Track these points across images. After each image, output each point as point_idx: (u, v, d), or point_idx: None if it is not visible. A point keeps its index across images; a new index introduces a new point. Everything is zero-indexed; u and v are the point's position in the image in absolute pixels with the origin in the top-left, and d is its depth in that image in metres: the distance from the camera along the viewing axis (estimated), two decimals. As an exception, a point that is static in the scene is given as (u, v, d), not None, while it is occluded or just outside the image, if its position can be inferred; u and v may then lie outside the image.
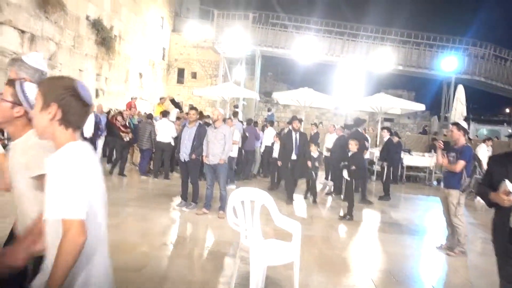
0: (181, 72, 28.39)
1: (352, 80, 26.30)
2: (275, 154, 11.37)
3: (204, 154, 7.08)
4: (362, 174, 9.45)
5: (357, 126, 11.39)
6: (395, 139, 13.05)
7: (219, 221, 6.98)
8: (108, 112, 15.55)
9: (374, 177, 13.72)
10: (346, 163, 7.97)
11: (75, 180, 1.77)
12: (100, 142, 11.21)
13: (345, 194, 8.39)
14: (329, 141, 12.15)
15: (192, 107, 7.56)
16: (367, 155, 11.49)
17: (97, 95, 21.41)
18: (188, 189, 7.57)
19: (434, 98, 29.95)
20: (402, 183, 14.05)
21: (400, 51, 25.05)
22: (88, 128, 9.02)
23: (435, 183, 14.63)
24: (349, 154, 8.02)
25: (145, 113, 15.70)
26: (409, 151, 14.73)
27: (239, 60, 26.18)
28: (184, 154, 7.38)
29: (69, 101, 1.92)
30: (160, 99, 13.85)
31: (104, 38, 21.31)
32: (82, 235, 1.73)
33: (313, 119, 26.73)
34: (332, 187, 10.95)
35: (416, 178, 15.05)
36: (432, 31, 25.48)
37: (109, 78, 22.49)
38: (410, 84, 30.31)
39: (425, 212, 10.04)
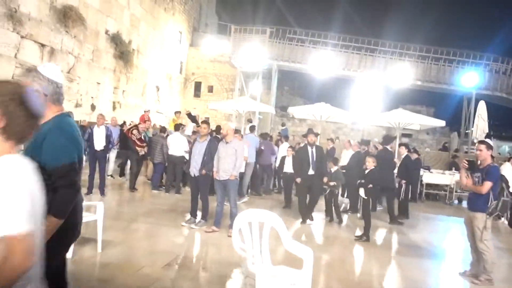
0: (198, 86, 28.38)
1: (369, 95, 25.86)
2: (287, 168, 11.17)
3: (214, 169, 6.79)
4: (388, 193, 9.09)
5: (387, 144, 10.86)
6: (414, 155, 12.56)
7: (228, 240, 6.62)
8: (123, 125, 15.46)
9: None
10: (362, 181, 7.56)
11: (15, 193, 1.49)
12: (113, 155, 11.03)
13: (362, 213, 7.96)
14: (345, 157, 11.71)
15: (204, 121, 7.29)
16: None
17: (114, 108, 21.44)
18: (198, 205, 7.27)
19: (454, 114, 29.20)
20: (421, 202, 13.48)
21: (419, 66, 24.55)
22: (99, 141, 8.81)
23: (456, 202, 14.02)
24: (366, 171, 7.63)
25: (160, 125, 15.53)
26: (428, 168, 14.19)
27: (256, 74, 26.00)
28: (194, 169, 7.10)
29: (14, 110, 1.64)
30: (176, 112, 13.64)
31: (122, 52, 21.41)
32: (29, 258, 1.44)
33: (329, 133, 26.30)
34: (348, 205, 10.49)
35: (436, 197, 14.45)
36: (452, 46, 24.96)
37: (127, 91, 22.54)
38: (429, 99, 29.67)
39: (447, 234, 9.51)
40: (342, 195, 11.84)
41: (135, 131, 10.66)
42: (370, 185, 7.40)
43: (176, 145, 10.72)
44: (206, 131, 7.12)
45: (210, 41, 27.93)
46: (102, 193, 8.87)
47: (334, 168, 9.20)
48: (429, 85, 24.72)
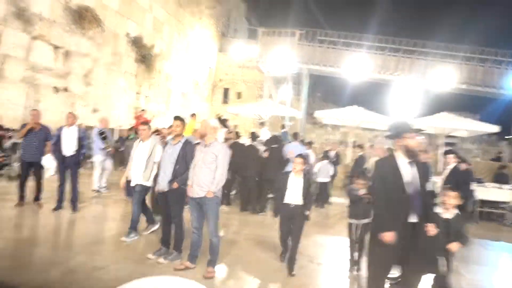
0: (226, 92, 26.58)
1: (407, 100, 23.04)
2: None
3: (189, 182, 4.73)
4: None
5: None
6: (463, 166, 9.99)
7: (205, 283, 4.52)
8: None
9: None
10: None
11: None
12: (108, 164, 9.13)
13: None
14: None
15: (176, 117, 5.24)
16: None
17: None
18: (171, 231, 5.21)
19: (503, 121, 25.74)
20: (476, 223, 10.65)
21: (463, 68, 21.60)
22: (69, 145, 6.95)
23: (516, 223, 11.14)
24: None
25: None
26: (481, 182, 11.47)
27: (285, 80, 23.87)
28: (163, 182, 5.09)
29: None
30: (192, 115, 11.63)
31: (144, 56, 19.89)
32: None
33: (364, 142, 23.66)
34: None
35: (491, 216, 11.56)
36: (501, 47, 21.79)
37: (149, 96, 21.00)
38: (473, 105, 26.39)
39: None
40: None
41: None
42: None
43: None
44: (179, 130, 5.06)
45: (238, 47, 26.09)
46: (74, 208, 6.99)
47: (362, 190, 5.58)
48: (475, 88, 21.68)
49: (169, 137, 5.76)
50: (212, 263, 4.65)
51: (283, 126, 15.11)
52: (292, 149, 9.42)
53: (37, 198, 7.14)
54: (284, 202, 5.15)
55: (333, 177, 11.68)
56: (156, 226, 6.08)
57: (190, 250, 4.81)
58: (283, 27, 23.85)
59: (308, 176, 5.40)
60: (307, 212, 5.17)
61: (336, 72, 22.90)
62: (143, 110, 12.31)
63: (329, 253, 6.27)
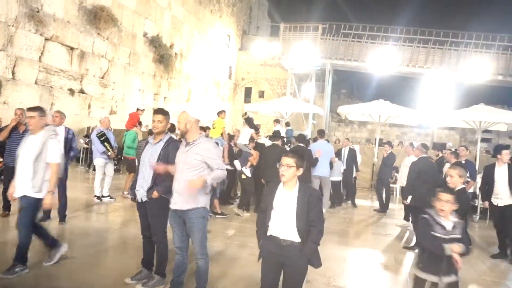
0: (248, 92, 25.58)
1: (438, 94, 21.31)
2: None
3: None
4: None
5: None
6: None
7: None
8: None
9: (477, 217, 9.16)
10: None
11: None
12: (110, 169, 8.21)
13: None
14: (405, 166, 7.81)
15: (158, 110, 4.18)
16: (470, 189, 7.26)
17: (154, 115, 19.06)
18: (153, 250, 4.19)
19: (544, 114, 23.57)
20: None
21: (499, 58, 19.77)
22: (54, 152, 6.01)
23: None
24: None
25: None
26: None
27: (309, 76, 22.64)
28: (142, 189, 4.11)
29: None
30: (219, 113, 10.51)
31: (162, 56, 19.14)
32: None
33: (393, 139, 22.07)
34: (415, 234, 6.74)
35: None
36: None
37: (169, 97, 20.24)
38: (510, 97, 24.33)
39: None
40: (406, 218, 8.13)
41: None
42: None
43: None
44: (161, 126, 4.02)
45: (260, 44, 25.04)
46: (62, 219, 6.09)
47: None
48: (513, 79, 19.78)
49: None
50: (198, 291, 3.61)
51: (287, 124, 13.64)
52: (319, 148, 8.25)
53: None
54: (270, 234, 3.00)
55: (354, 177, 10.41)
56: (63, 249, 4.47)
57: (173, 276, 3.76)
58: (305, 20, 22.64)
59: (310, 192, 2.98)
60: (309, 253, 2.92)
61: (361, 67, 21.51)
62: (142, 110, 11.30)
63: (352, 273, 5.08)
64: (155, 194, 3.89)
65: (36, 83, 13.65)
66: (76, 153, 6.31)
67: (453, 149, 7.91)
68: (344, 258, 5.49)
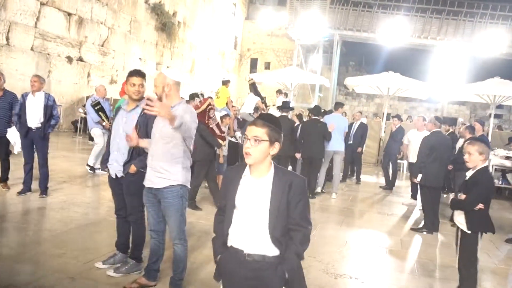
0: (254, 63, 24.74)
1: (451, 68, 20.31)
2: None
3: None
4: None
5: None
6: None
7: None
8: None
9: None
10: (459, 194, 3.41)
11: None
12: (99, 137, 7.64)
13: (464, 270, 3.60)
14: (415, 142, 7.07)
15: (135, 72, 3.56)
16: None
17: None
18: (129, 232, 3.68)
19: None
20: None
21: (516, 29, 18.67)
22: (34, 115, 5.51)
23: None
24: (469, 172, 3.41)
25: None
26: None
27: (316, 48, 21.71)
28: (116, 163, 3.45)
29: None
30: (224, 82, 9.73)
31: (164, 24, 18.31)
32: None
33: (401, 114, 21.29)
34: (423, 215, 6.14)
35: None
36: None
37: (171, 67, 19.48)
38: (527, 72, 23.19)
39: None
40: (413, 197, 7.57)
41: (212, 112, 6.13)
42: (480, 205, 3.24)
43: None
44: (144, 90, 3.41)
45: (267, 14, 23.97)
46: (44, 192, 5.60)
47: None
48: (531, 53, 18.75)
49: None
50: (174, 282, 3.10)
51: (286, 95, 12.68)
52: (332, 121, 7.60)
53: (3, 178, 5.82)
54: (230, 245, 2.02)
55: (360, 151, 9.78)
56: None
57: (148, 262, 3.27)
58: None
59: (291, 179, 1.95)
60: (290, 271, 1.92)
61: (371, 38, 20.51)
62: None
63: (353, 258, 4.56)
64: (132, 168, 3.34)
65: (32, 49, 13.01)
66: (57, 121, 5.74)
67: (467, 124, 7.22)
68: (345, 241, 4.97)
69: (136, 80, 3.44)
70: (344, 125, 7.95)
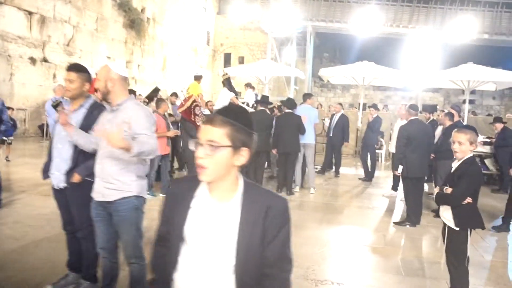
0: (227, 58, 24.20)
1: (423, 55, 20.31)
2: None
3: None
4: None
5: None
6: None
7: None
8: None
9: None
10: (445, 187, 3.11)
11: None
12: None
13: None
14: (396, 131, 6.88)
15: (70, 66, 3.12)
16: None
17: (128, 84, 17.68)
18: (80, 250, 3.22)
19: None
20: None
21: (486, 16, 18.83)
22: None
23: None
24: (455, 162, 3.11)
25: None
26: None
27: (289, 40, 21.36)
28: (58, 172, 2.95)
29: None
30: (196, 78, 9.33)
31: (133, 21, 17.62)
32: None
33: (377, 103, 21.21)
34: (406, 207, 5.86)
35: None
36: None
37: (142, 65, 18.84)
38: (497, 58, 23.42)
39: None
40: (394, 188, 7.33)
41: (198, 109, 6.18)
42: (469, 199, 2.94)
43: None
44: (74, 88, 2.94)
45: (239, 7, 23.39)
46: (-4, 203, 5.08)
47: None
48: (500, 38, 18.94)
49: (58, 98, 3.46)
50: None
51: (254, 88, 12.09)
52: (303, 113, 7.23)
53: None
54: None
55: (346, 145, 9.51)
56: None
57: (102, 284, 2.85)
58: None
59: (268, 201, 1.38)
60: None
61: (343, 28, 20.30)
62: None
63: (335, 260, 4.22)
64: (76, 177, 2.89)
65: (-9, 51, 12.21)
66: (7, 126, 5.20)
67: (445, 110, 6.98)
68: (325, 241, 4.64)
69: (67, 75, 3.00)
70: (315, 116, 7.63)
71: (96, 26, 16.19)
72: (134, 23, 17.69)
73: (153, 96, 7.38)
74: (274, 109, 8.35)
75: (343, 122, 9.21)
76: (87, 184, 2.80)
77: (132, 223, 2.65)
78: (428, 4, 19.04)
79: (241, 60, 23.74)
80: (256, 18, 21.61)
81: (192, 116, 5.73)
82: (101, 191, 2.62)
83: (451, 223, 3.08)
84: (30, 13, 13.42)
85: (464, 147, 2.98)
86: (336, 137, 9.15)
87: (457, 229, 3.04)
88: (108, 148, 2.52)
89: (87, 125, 2.90)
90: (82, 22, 15.50)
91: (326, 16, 19.82)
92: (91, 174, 2.76)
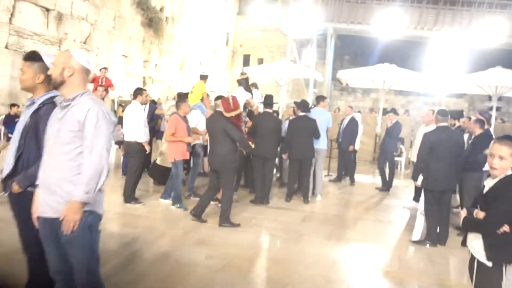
0: (246, 59, 23.75)
1: (448, 59, 19.33)
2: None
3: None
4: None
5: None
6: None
7: None
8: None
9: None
10: (474, 212, 2.51)
11: None
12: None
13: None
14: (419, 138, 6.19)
15: (26, 55, 2.67)
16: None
17: (144, 84, 17.51)
18: (40, 270, 2.74)
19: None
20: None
21: (516, 18, 17.70)
22: None
23: None
24: (491, 180, 2.50)
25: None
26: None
27: (309, 42, 20.74)
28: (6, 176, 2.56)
29: None
30: (202, 77, 9.00)
31: (151, 19, 17.33)
32: None
33: (398, 108, 20.33)
34: (425, 223, 5.18)
35: None
36: None
37: (160, 65, 18.56)
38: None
39: None
40: (415, 199, 6.64)
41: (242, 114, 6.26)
42: (506, 227, 2.33)
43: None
44: (26, 79, 2.36)
45: (259, 8, 22.91)
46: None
47: None
48: (531, 42, 17.76)
49: None
50: None
51: (257, 87, 11.59)
52: (316, 116, 6.67)
53: None
54: None
55: (352, 150, 8.80)
56: None
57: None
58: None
59: None
60: None
61: (365, 31, 19.55)
62: (104, 68, 9.67)
63: (343, 285, 3.63)
64: (15, 188, 2.39)
65: (6, 47, 12.06)
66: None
67: (473, 117, 6.24)
68: (332, 262, 4.05)
69: (22, 65, 2.54)
70: (328, 120, 7.05)
71: (114, 24, 15.97)
72: (152, 21, 17.41)
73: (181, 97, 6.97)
74: (285, 111, 7.81)
75: (353, 126, 8.58)
76: (29, 195, 2.31)
77: (84, 245, 2.15)
78: (455, 6, 18.10)
79: (260, 62, 23.25)
80: (276, 19, 21.10)
81: (241, 121, 5.43)
82: (44, 206, 2.12)
83: (481, 255, 2.45)
84: (47, 9, 13.25)
85: (505, 163, 2.36)
86: (345, 142, 8.52)
87: (490, 264, 2.41)
88: (54, 151, 2.02)
89: (32, 124, 2.41)
90: (100, 20, 15.30)
91: (347, 17, 19.11)
92: (34, 184, 2.26)
